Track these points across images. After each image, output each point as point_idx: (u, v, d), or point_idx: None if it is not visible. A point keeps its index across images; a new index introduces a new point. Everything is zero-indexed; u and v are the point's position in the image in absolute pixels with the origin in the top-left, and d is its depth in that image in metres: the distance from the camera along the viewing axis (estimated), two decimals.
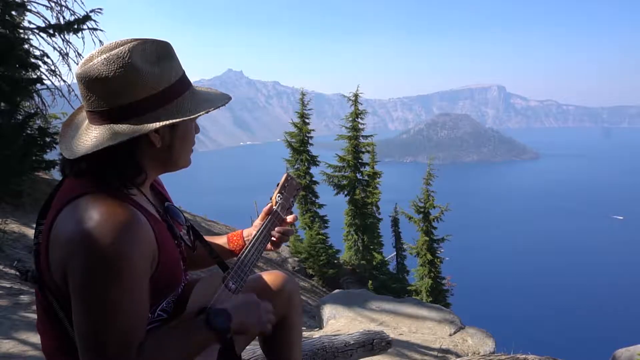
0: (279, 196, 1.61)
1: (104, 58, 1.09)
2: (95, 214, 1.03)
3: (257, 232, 1.51)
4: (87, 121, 1.18)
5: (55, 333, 1.16)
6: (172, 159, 1.23)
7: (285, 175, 1.65)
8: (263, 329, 1.35)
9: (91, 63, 1.10)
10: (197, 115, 1.17)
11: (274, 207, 1.59)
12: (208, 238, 1.64)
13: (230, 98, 1.28)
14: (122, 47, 1.11)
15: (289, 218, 1.60)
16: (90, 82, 1.10)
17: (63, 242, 1.04)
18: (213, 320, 1.18)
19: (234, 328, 1.23)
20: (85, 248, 1.01)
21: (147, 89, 1.12)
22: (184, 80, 1.21)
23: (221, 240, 1.64)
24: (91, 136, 1.12)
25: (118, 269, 1.01)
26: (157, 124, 1.11)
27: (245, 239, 1.62)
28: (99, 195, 1.09)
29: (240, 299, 1.32)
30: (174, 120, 1.13)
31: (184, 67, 1.25)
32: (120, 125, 1.11)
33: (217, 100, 1.25)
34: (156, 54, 1.15)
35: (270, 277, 1.72)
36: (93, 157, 1.10)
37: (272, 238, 1.58)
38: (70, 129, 1.23)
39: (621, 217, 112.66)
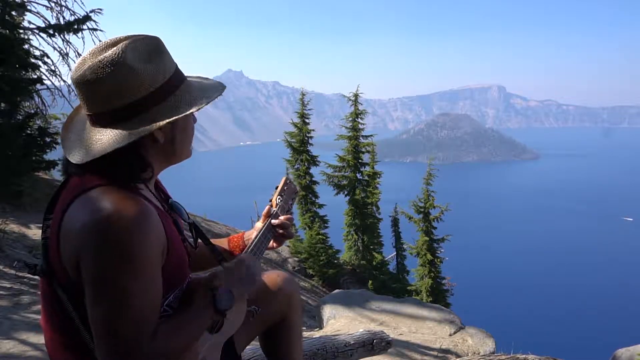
0: (279, 198, 1.66)
1: (99, 61, 1.09)
2: (108, 205, 1.05)
3: (259, 232, 1.57)
4: (88, 123, 1.18)
5: (62, 328, 1.16)
6: (175, 152, 1.25)
7: (284, 178, 1.72)
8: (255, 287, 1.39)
9: (85, 67, 1.10)
10: (199, 107, 1.19)
11: (274, 208, 1.64)
12: None
13: (224, 86, 1.29)
14: (114, 49, 1.11)
15: (282, 217, 1.64)
16: (88, 86, 1.11)
17: (76, 233, 1.06)
18: (219, 302, 1.21)
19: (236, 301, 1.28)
20: (99, 237, 1.03)
21: (145, 87, 1.13)
22: (178, 73, 1.22)
23: (221, 242, 1.66)
24: (95, 139, 1.14)
25: (132, 257, 1.04)
26: (163, 122, 1.13)
27: (245, 240, 1.63)
28: (110, 187, 1.11)
29: (235, 271, 1.34)
30: (179, 116, 1.15)
31: (184, 67, 1.26)
32: (125, 127, 1.12)
33: (213, 89, 1.26)
34: (148, 51, 1.15)
35: (271, 277, 1.73)
36: (99, 158, 1.12)
37: (275, 235, 1.62)
38: (71, 132, 1.23)
39: (631, 219, 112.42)
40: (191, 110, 1.17)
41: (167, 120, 1.13)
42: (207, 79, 1.31)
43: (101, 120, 1.14)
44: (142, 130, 1.11)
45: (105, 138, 1.12)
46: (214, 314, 1.21)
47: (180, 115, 1.15)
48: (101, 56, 1.10)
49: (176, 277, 1.23)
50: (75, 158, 1.14)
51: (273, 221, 1.61)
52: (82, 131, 1.19)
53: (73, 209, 1.09)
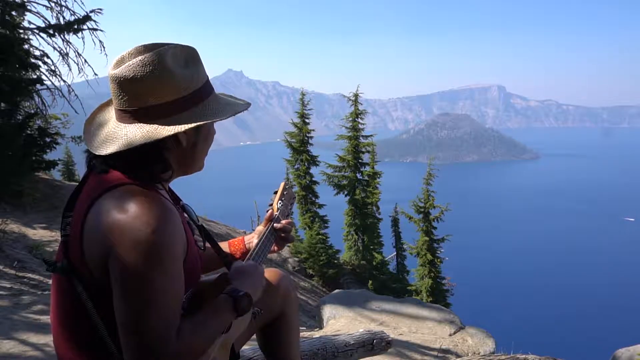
0: (279, 203, 1.72)
1: (140, 60, 1.14)
2: (133, 203, 1.08)
3: (262, 235, 1.61)
4: (113, 119, 1.23)
5: (77, 327, 1.16)
6: (194, 159, 1.28)
7: (283, 183, 1.78)
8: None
9: (125, 64, 1.15)
10: (225, 117, 1.24)
11: (275, 213, 1.70)
12: None
13: (249, 104, 1.35)
14: (155, 51, 1.16)
15: (284, 221, 1.70)
16: (126, 82, 1.15)
17: (103, 231, 1.07)
18: (239, 305, 1.23)
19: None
20: (128, 236, 1.04)
21: (178, 91, 1.17)
22: (208, 85, 1.27)
23: (222, 246, 1.69)
24: (122, 133, 1.17)
25: (160, 255, 1.06)
26: (190, 125, 1.17)
27: (246, 243, 1.68)
28: (133, 187, 1.13)
29: (249, 275, 1.38)
30: (206, 122, 1.20)
31: None
32: (152, 125, 1.16)
33: (239, 104, 1.32)
34: (185, 59, 1.21)
35: (267, 274, 1.76)
36: (123, 154, 1.14)
37: (277, 239, 1.68)
38: (94, 127, 1.26)
39: (632, 219, 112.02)
40: (217, 119, 1.22)
41: (195, 124, 1.17)
42: (232, 96, 1.36)
43: (130, 116, 1.17)
44: (170, 129, 1.15)
45: (131, 133, 1.15)
46: (234, 315, 1.24)
47: (207, 121, 1.19)
48: (141, 56, 1.15)
49: (191, 276, 1.24)
50: (100, 150, 1.16)
51: (275, 225, 1.66)
52: (105, 127, 1.23)
53: (98, 207, 1.10)
